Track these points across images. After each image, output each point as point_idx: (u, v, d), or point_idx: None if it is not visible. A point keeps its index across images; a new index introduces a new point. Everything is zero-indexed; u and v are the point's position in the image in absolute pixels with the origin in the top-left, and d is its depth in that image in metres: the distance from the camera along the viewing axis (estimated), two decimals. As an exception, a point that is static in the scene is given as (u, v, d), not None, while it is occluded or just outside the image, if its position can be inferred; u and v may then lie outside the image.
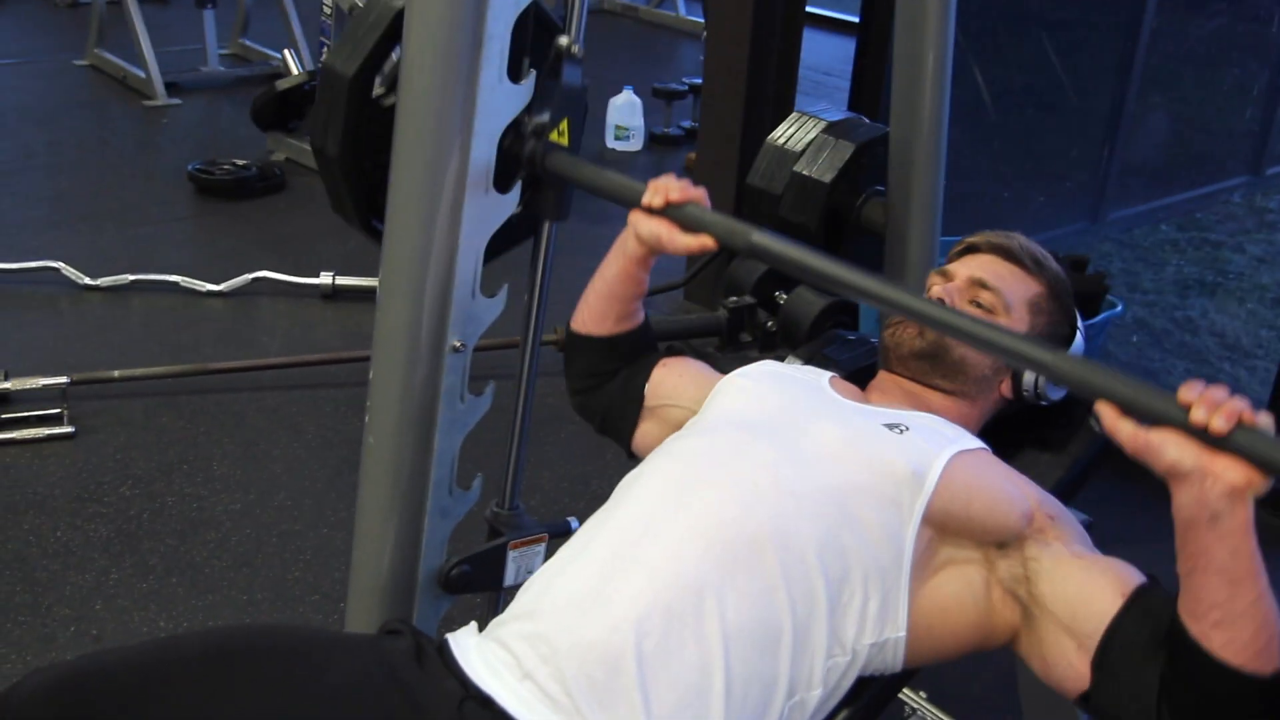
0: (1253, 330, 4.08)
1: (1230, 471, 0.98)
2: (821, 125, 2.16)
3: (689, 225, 1.40)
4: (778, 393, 1.39)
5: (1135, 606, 1.14)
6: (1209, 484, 0.99)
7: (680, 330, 3.58)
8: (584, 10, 1.67)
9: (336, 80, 1.70)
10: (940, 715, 1.99)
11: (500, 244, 1.66)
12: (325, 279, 3.64)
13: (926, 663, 1.24)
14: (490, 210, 1.68)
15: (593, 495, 2.76)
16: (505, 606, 2.03)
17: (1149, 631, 1.11)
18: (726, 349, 3.48)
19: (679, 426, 1.48)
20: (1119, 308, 2.96)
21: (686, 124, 5.54)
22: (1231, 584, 1.02)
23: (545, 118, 1.65)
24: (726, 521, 1.19)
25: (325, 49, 4.56)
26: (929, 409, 1.39)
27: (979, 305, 1.44)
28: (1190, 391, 1.00)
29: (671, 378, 1.53)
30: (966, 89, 4.09)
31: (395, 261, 1.69)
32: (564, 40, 1.63)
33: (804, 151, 2.14)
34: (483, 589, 1.96)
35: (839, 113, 2.20)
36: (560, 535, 2.02)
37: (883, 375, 1.49)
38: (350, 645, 1.25)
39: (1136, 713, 1.10)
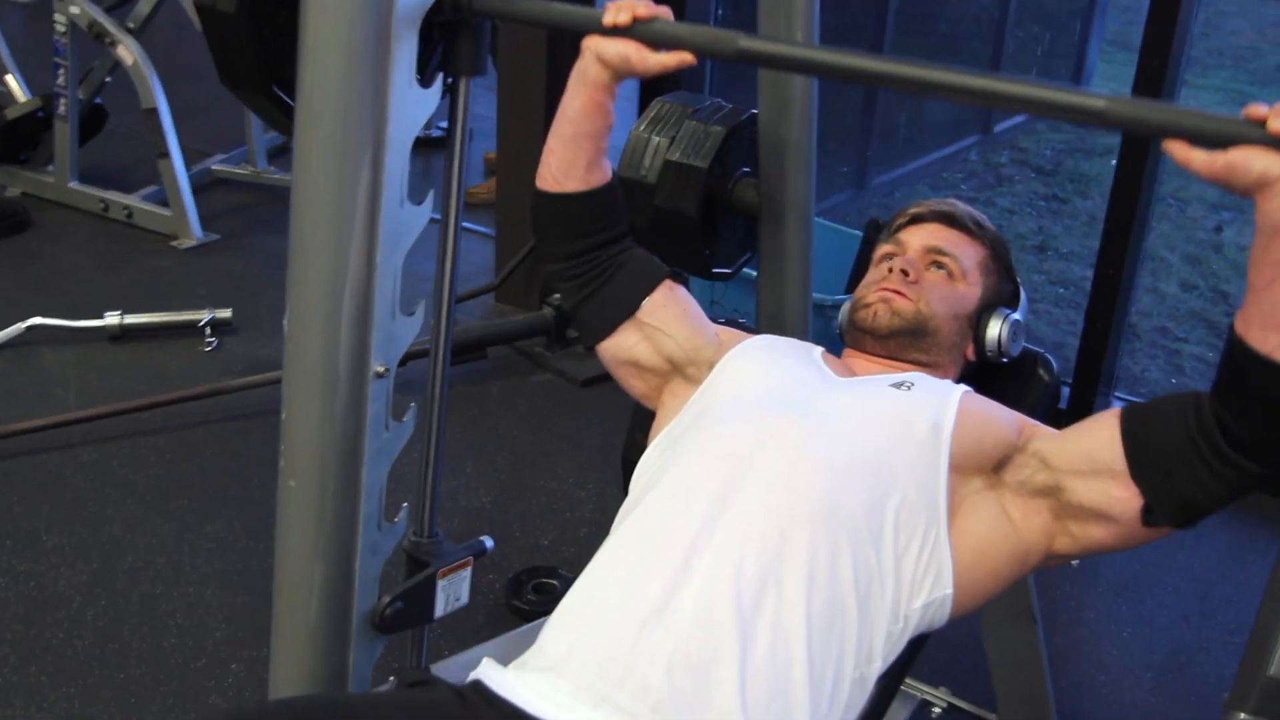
0: (1025, 278, 4.38)
1: None
2: (687, 112, 2.15)
3: (663, 41, 1.34)
4: (782, 369, 1.37)
5: (1130, 414, 1.21)
6: None
7: (508, 333, 3.51)
8: None
9: None
10: (966, 706, 2.02)
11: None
12: (111, 320, 3.34)
13: (972, 609, 1.26)
14: (407, 223, 1.59)
15: (461, 511, 2.66)
16: (428, 640, 1.95)
17: (1157, 417, 1.18)
18: (555, 347, 3.44)
19: (663, 356, 1.46)
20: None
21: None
22: None
23: None
24: (776, 509, 1.17)
25: (61, 71, 4.18)
26: None
27: (941, 269, 1.47)
28: (1258, 108, 1.04)
29: (674, 305, 1.48)
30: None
31: (307, 285, 1.57)
32: None
33: (675, 139, 2.12)
34: (415, 625, 1.86)
35: (699, 99, 2.20)
36: (480, 556, 1.95)
37: (854, 354, 1.49)
38: (395, 705, 1.15)
39: (1195, 473, 1.14)
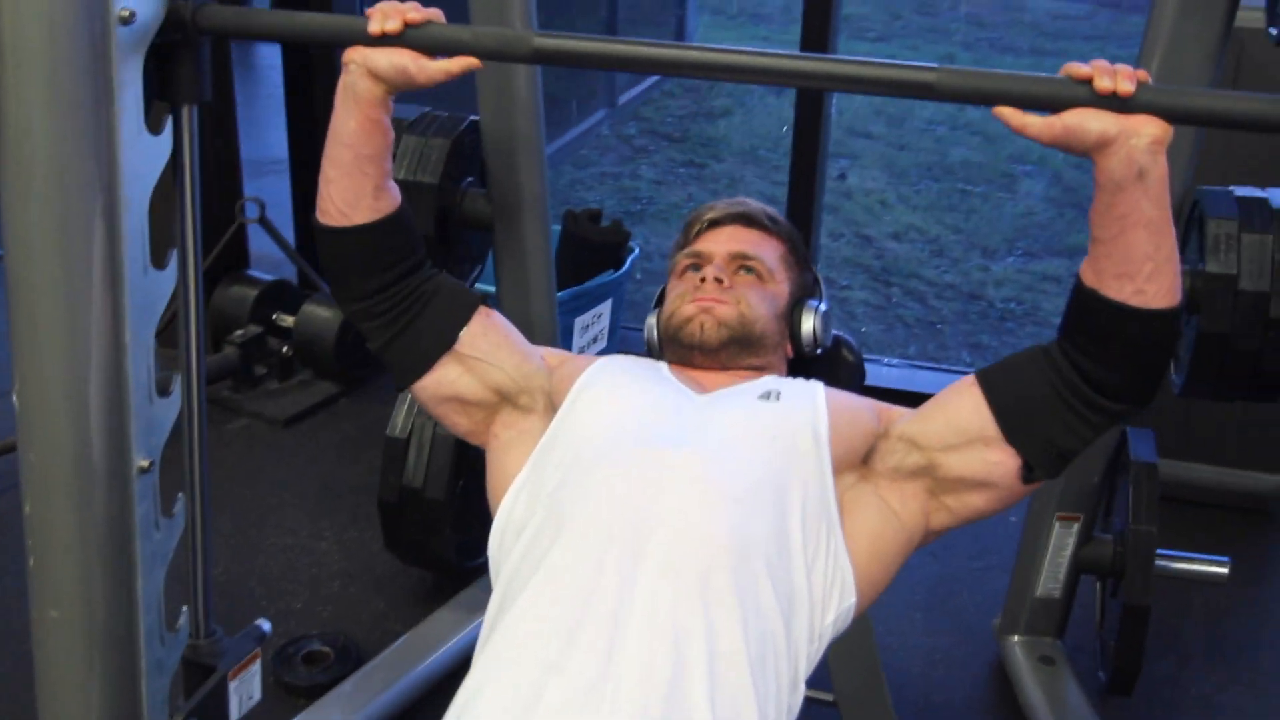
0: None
1: (1149, 126, 1.06)
2: (402, 125, 2.01)
3: (443, 48, 1.22)
4: (643, 394, 1.28)
5: (989, 379, 1.22)
6: (1135, 142, 1.06)
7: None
8: None
9: None
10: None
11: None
12: None
13: (868, 606, 1.25)
14: (154, 289, 1.38)
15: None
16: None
17: (1018, 378, 1.20)
18: (245, 389, 3.16)
19: (490, 388, 1.33)
20: (636, 250, 3.11)
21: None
22: (1158, 233, 1.09)
23: None
24: (694, 553, 1.10)
25: None
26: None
27: (750, 272, 1.42)
28: (1079, 67, 1.07)
29: (493, 333, 1.34)
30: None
31: (39, 377, 1.34)
32: None
33: (394, 156, 1.98)
34: (211, 736, 1.64)
35: (408, 110, 2.07)
36: (261, 642, 1.74)
37: (679, 369, 1.41)
38: None
39: (1068, 424, 1.18)
